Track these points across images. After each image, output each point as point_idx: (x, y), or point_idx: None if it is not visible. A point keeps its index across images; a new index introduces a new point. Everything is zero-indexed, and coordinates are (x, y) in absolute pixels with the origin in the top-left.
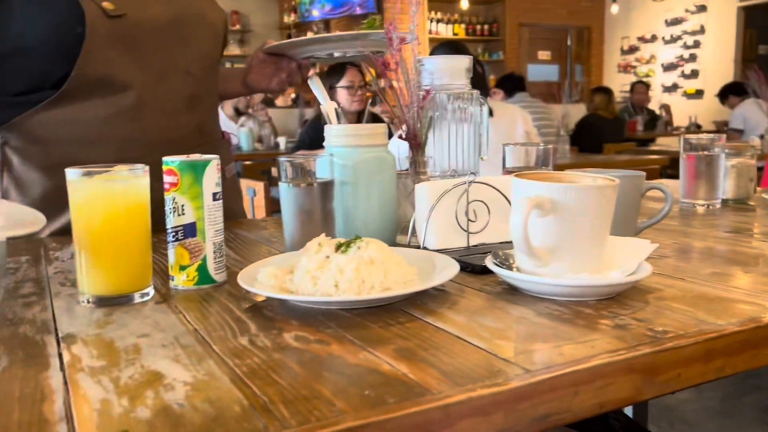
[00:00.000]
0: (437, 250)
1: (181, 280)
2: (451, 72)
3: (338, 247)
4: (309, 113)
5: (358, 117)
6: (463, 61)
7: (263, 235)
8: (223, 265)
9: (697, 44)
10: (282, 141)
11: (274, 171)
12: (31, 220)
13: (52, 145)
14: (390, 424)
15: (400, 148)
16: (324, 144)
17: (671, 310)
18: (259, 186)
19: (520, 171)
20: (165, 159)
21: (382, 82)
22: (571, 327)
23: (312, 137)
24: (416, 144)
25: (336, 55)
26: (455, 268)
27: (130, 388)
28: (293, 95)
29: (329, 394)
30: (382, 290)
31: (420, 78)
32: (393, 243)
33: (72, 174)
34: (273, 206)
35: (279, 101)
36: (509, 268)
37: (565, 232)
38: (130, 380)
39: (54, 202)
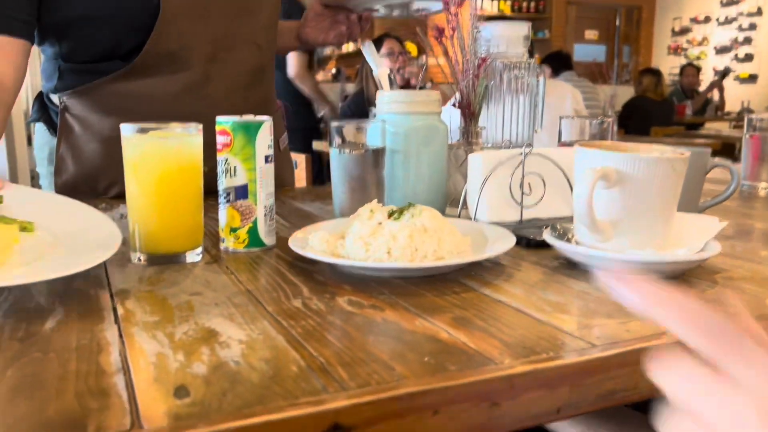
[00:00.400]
0: (489, 223)
1: (231, 242)
2: (508, 39)
3: (391, 213)
4: (350, 88)
5: (401, 87)
6: (522, 29)
7: (310, 202)
8: (274, 228)
9: (753, 27)
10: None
11: (315, 144)
12: (104, 246)
13: (116, 118)
14: (452, 392)
15: (451, 118)
16: (375, 111)
17: (742, 291)
18: (301, 158)
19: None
20: (218, 119)
21: (424, 59)
22: None
23: (354, 111)
24: (470, 114)
25: (382, 11)
26: (511, 240)
27: (185, 344)
28: (333, 70)
29: (387, 358)
30: (435, 259)
31: (476, 45)
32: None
33: (126, 130)
34: (314, 180)
35: (319, 76)
36: (568, 242)
37: (631, 205)
38: (185, 336)
39: (111, 175)
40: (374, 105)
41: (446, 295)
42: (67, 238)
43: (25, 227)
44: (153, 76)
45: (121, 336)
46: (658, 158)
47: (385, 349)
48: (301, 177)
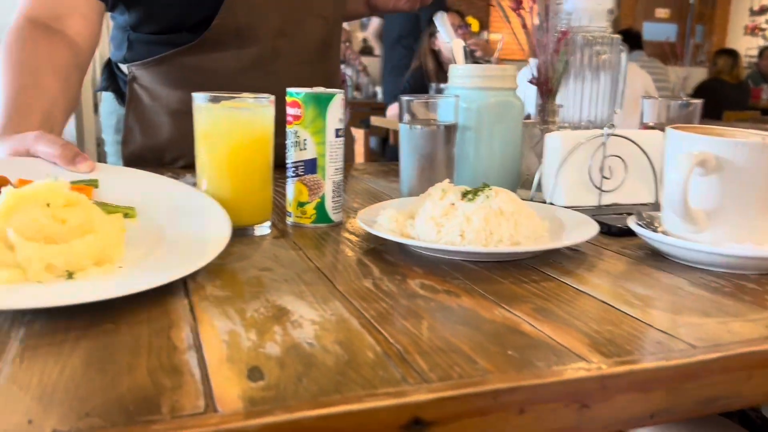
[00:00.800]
0: (565, 208)
1: (298, 217)
2: (591, 13)
3: (464, 194)
4: None
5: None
6: (606, 1)
7: (374, 178)
8: (341, 204)
9: None
10: (380, 90)
11: (373, 119)
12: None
13: (184, 91)
14: (542, 391)
15: (526, 94)
16: (434, 86)
17: None
18: (359, 134)
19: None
20: (289, 90)
21: (485, 33)
22: (736, 302)
23: (413, 86)
24: (547, 90)
25: None
26: (593, 227)
27: (257, 322)
28: None
29: (468, 349)
30: (511, 244)
31: (556, 18)
32: None
33: (199, 99)
34: (371, 156)
35: (379, 50)
36: (655, 231)
37: (730, 194)
38: (256, 314)
39: (179, 148)
40: (433, 81)
41: (524, 283)
42: (170, 225)
43: (127, 213)
44: (221, 50)
45: (191, 310)
46: (763, 144)
47: (465, 340)
48: (358, 152)
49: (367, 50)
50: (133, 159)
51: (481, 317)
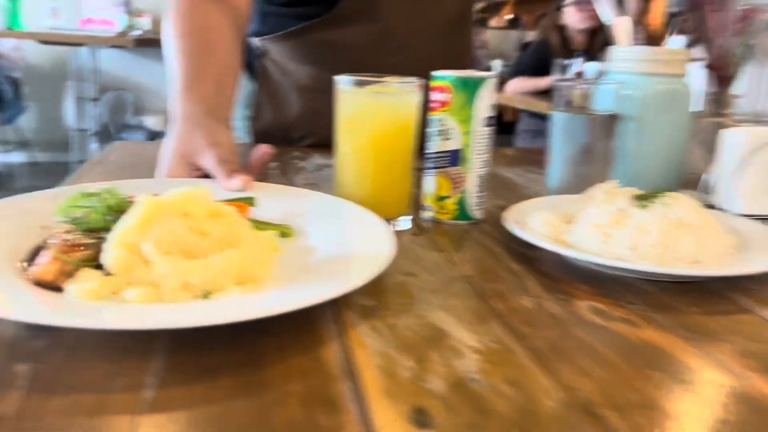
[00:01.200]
0: (743, 216)
1: (437, 212)
2: None
3: (636, 198)
4: (528, 36)
5: (590, 36)
6: None
7: (509, 167)
8: (484, 201)
9: None
10: (497, 64)
11: None
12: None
13: (313, 67)
14: None
15: (694, 81)
16: (558, 62)
17: None
18: None
19: None
20: (435, 74)
21: None
22: None
23: (535, 61)
24: (723, 77)
25: None
26: None
27: (412, 344)
28: (509, 16)
29: (671, 407)
30: (691, 263)
31: None
32: None
33: (342, 83)
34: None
35: (493, 22)
36: None
37: None
38: (409, 332)
39: (307, 125)
40: (558, 56)
41: (715, 315)
42: (328, 245)
43: (284, 232)
44: (352, 24)
45: (339, 323)
46: None
47: (665, 392)
48: None
49: (481, 21)
50: (262, 136)
51: (677, 360)
